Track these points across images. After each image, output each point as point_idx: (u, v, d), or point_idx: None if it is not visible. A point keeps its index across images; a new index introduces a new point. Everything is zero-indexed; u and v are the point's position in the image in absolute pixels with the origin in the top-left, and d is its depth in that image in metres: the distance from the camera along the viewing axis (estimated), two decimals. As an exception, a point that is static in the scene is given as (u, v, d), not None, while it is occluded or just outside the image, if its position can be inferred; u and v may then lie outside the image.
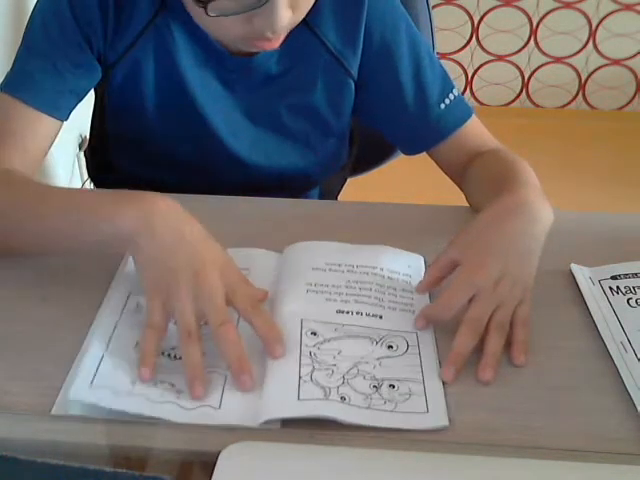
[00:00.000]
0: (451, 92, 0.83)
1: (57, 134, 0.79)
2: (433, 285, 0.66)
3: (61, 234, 0.64)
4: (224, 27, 0.70)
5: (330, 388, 0.55)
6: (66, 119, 0.79)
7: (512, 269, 0.62)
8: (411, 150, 0.89)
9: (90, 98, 0.83)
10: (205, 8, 0.65)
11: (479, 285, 0.61)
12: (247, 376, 0.55)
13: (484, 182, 0.79)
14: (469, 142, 0.84)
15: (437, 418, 0.54)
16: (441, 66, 0.84)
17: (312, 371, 0.57)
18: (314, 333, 0.61)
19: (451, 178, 0.88)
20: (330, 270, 0.68)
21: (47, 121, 0.76)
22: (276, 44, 0.72)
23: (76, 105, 0.80)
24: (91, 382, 0.54)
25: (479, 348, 0.59)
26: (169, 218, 0.60)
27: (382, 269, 0.69)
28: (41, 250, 0.67)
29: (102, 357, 0.57)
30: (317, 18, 0.79)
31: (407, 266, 0.70)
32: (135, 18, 0.76)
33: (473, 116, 0.84)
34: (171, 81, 0.80)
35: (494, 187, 0.71)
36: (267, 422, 0.52)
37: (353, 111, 0.88)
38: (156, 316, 0.57)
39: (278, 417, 0.52)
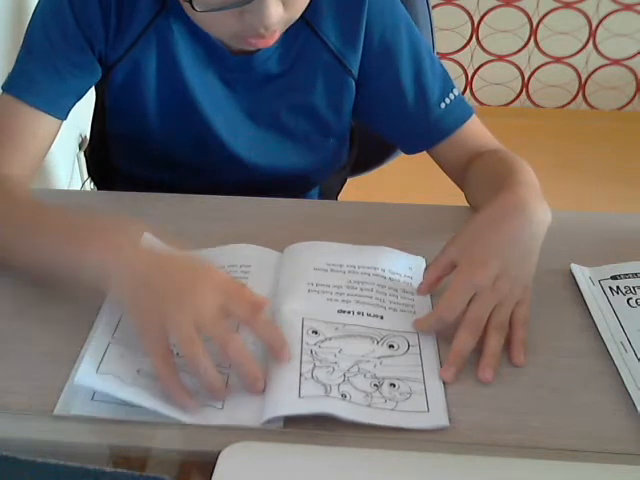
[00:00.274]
0: (451, 92, 0.83)
1: (57, 133, 0.79)
2: (433, 286, 0.66)
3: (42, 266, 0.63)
4: (216, 23, 0.70)
5: (331, 385, 0.55)
6: (65, 118, 0.79)
7: (511, 269, 0.62)
8: (411, 149, 0.89)
9: (90, 98, 0.83)
10: (190, 3, 0.65)
11: (479, 285, 0.61)
12: (260, 382, 0.55)
13: (483, 182, 0.78)
14: (469, 142, 0.84)
15: (437, 418, 0.54)
16: (441, 66, 0.84)
17: (313, 368, 0.57)
18: (315, 332, 0.61)
19: (451, 178, 0.88)
20: (331, 271, 0.69)
21: (47, 121, 0.76)
22: (270, 42, 0.72)
23: (75, 104, 0.80)
24: (97, 369, 0.54)
25: (479, 348, 0.59)
26: (137, 251, 0.59)
27: (383, 270, 0.69)
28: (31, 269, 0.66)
29: (108, 345, 0.57)
30: (317, 17, 0.79)
31: (408, 268, 0.70)
32: (136, 18, 0.76)
33: (473, 116, 0.84)
34: (172, 81, 0.80)
35: (493, 187, 0.71)
36: (270, 421, 0.52)
37: (353, 110, 0.88)
38: (159, 348, 0.54)
39: (279, 415, 0.52)
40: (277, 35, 0.72)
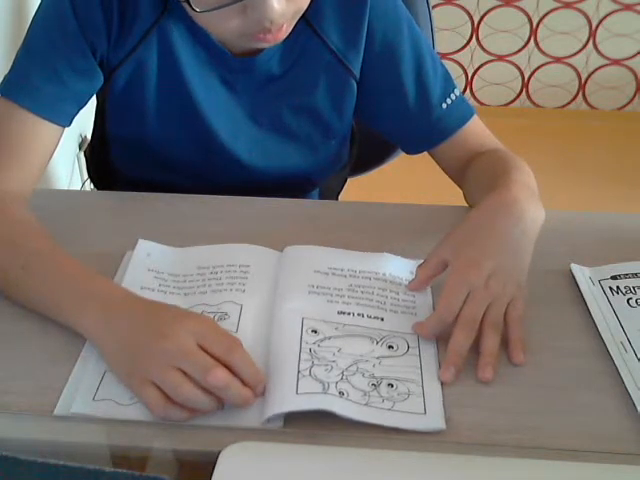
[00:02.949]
0: (453, 92, 0.83)
1: (58, 141, 0.78)
2: (424, 284, 0.67)
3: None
4: (220, 23, 0.69)
5: (329, 383, 0.55)
6: (68, 125, 0.78)
7: (504, 266, 0.63)
8: (412, 150, 0.89)
9: (91, 98, 0.83)
10: (189, 3, 0.65)
11: (473, 283, 0.61)
12: (252, 398, 0.54)
13: (481, 182, 0.78)
14: (470, 142, 0.84)
15: (434, 420, 0.54)
16: (443, 66, 0.84)
17: (311, 366, 0.57)
18: (315, 331, 0.61)
19: (451, 178, 0.88)
20: (332, 274, 0.69)
21: (48, 127, 0.75)
22: (280, 35, 0.71)
23: (78, 111, 0.79)
24: (93, 397, 0.54)
25: (477, 349, 0.59)
26: (124, 314, 0.58)
27: (384, 274, 0.69)
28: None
29: (104, 372, 0.57)
30: (319, 17, 0.79)
31: (409, 272, 0.70)
32: (138, 21, 0.76)
33: (474, 116, 0.84)
34: (173, 83, 0.80)
35: (489, 186, 0.72)
36: (270, 420, 0.52)
37: (355, 111, 0.88)
38: (159, 408, 0.52)
39: (277, 413, 0.52)
40: (286, 28, 0.71)
